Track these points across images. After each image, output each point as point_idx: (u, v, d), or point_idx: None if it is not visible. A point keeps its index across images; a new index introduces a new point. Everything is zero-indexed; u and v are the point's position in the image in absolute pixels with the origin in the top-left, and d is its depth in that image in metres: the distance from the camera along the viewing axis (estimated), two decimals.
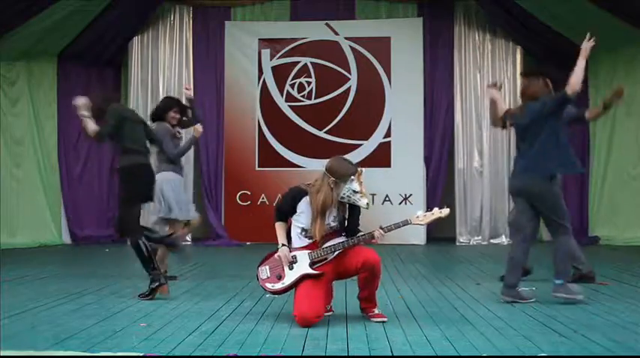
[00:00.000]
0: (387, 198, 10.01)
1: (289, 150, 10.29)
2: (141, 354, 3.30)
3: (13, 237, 9.48)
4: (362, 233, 4.25)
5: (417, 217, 4.25)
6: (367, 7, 10.55)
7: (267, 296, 5.16)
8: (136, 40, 10.49)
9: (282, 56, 10.48)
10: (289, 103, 10.44)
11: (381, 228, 4.17)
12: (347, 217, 4.29)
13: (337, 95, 10.33)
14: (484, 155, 10.22)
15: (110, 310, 4.54)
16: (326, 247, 4.20)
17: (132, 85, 10.48)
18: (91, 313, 4.43)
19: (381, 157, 10.09)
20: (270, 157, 10.31)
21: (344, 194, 4.16)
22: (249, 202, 10.27)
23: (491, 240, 10.14)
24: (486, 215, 10.17)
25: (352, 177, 4.16)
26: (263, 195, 10.22)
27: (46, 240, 9.80)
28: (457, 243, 10.06)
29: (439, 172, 10.34)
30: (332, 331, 3.85)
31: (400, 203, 10.09)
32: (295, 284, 4.19)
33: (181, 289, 5.56)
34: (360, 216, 4.32)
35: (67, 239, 10.14)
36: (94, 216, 10.47)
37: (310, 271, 4.18)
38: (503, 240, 10.11)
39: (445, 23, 10.43)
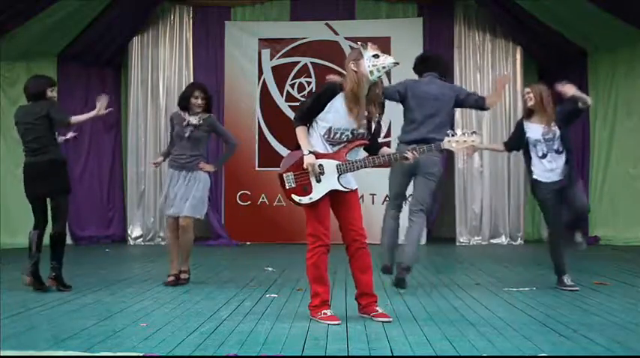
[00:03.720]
0: (387, 198, 9.98)
1: (289, 150, 10.24)
2: (141, 354, 3.29)
3: (13, 237, 9.47)
4: (393, 152, 4.18)
5: (449, 142, 4.10)
6: (367, 7, 10.56)
7: (268, 296, 5.17)
8: (136, 40, 10.49)
9: (282, 56, 10.48)
10: (289, 103, 10.44)
11: (414, 148, 4.11)
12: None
13: None
14: (484, 155, 10.22)
15: (110, 310, 4.54)
16: (355, 161, 4.07)
17: (132, 84, 10.48)
18: (91, 313, 4.43)
19: None
20: (270, 157, 10.29)
21: (369, 67, 3.97)
22: (249, 202, 10.27)
23: (491, 240, 10.14)
24: (486, 215, 10.17)
25: (362, 44, 4.04)
26: (263, 195, 10.22)
27: (47, 240, 9.76)
28: (457, 243, 10.06)
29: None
30: (332, 331, 3.85)
31: None
32: (322, 201, 4.05)
33: (181, 289, 5.56)
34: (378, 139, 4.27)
35: (67, 239, 10.11)
36: (94, 216, 10.47)
37: (339, 187, 4.06)
38: (503, 240, 10.13)
39: (445, 23, 10.43)
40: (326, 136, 4.09)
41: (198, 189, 5.86)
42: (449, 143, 4.13)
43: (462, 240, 10.12)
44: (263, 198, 10.23)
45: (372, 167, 4.19)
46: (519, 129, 5.68)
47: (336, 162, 4.07)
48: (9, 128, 9.67)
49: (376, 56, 4.01)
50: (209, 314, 4.37)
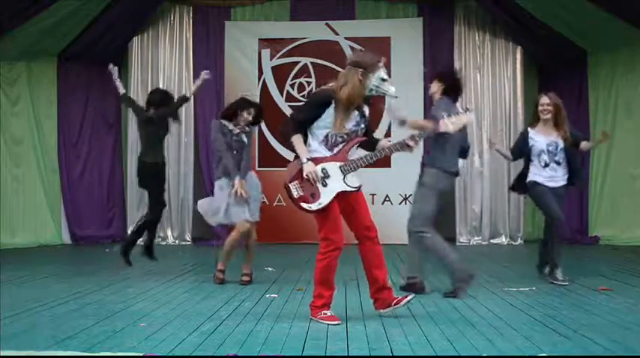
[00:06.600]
0: (387, 198, 10.00)
1: (289, 150, 10.26)
2: (141, 354, 3.30)
3: (13, 237, 9.48)
4: (393, 143, 4.16)
5: (446, 124, 4.14)
6: (367, 7, 10.56)
7: (268, 296, 5.17)
8: (136, 40, 10.49)
9: (282, 56, 10.48)
10: (289, 103, 10.44)
11: (413, 136, 4.12)
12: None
13: None
14: (484, 155, 10.22)
15: (110, 310, 4.54)
16: (357, 159, 4.09)
17: (132, 85, 10.46)
18: (91, 313, 4.43)
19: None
20: (270, 157, 10.30)
21: (372, 85, 4.02)
22: None
23: (492, 240, 10.14)
24: (486, 215, 10.18)
25: (380, 64, 4.04)
26: (263, 195, 10.16)
27: (46, 240, 9.80)
28: (457, 243, 10.05)
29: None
30: (332, 331, 3.85)
31: (400, 203, 10.08)
32: (332, 203, 4.04)
33: (181, 289, 5.56)
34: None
35: (67, 239, 10.14)
36: (94, 216, 10.47)
37: (347, 188, 4.06)
38: (503, 240, 10.13)
39: (445, 23, 10.43)
40: (324, 142, 4.11)
41: (259, 192, 6.18)
42: (445, 125, 4.17)
43: (462, 240, 10.12)
44: (263, 198, 10.15)
45: (375, 161, 4.18)
46: (524, 136, 5.87)
47: (339, 164, 4.09)
48: (9, 128, 9.71)
49: (384, 80, 4.05)
50: (209, 314, 4.37)
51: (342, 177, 4.08)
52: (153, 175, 6.80)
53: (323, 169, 4.07)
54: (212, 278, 5.95)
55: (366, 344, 3.53)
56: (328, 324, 4.01)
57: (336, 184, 4.07)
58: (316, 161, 4.08)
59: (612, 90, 9.64)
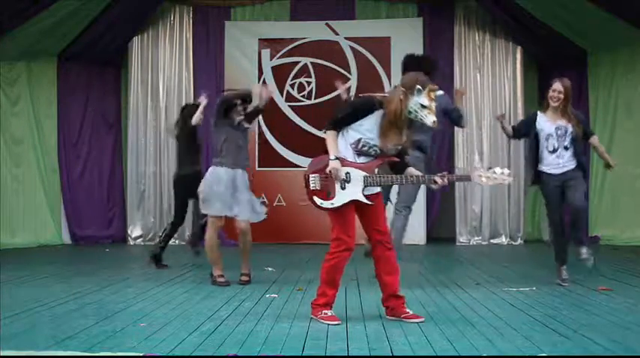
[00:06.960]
0: (388, 199, 9.97)
1: (289, 150, 10.29)
2: (141, 354, 3.30)
3: (13, 237, 9.48)
4: (421, 174, 4.21)
5: (480, 176, 4.13)
6: (367, 7, 10.56)
7: (268, 296, 5.17)
8: (136, 40, 10.50)
9: (282, 56, 10.48)
10: (289, 103, 10.44)
11: (444, 175, 4.13)
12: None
13: (337, 95, 10.30)
14: (484, 155, 10.22)
15: (110, 310, 4.54)
16: (383, 176, 4.09)
17: (132, 85, 10.48)
18: (91, 313, 4.43)
19: None
20: (270, 157, 10.31)
21: (411, 108, 4.01)
22: None
23: (492, 240, 10.14)
24: (486, 215, 10.17)
25: (419, 87, 4.03)
26: (263, 195, 10.19)
27: (46, 240, 9.80)
28: (457, 243, 10.06)
29: (439, 172, 10.35)
30: (332, 331, 3.85)
31: None
32: (347, 206, 4.07)
33: (181, 289, 5.56)
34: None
35: (67, 239, 10.14)
36: (94, 216, 10.47)
37: (362, 198, 4.07)
38: (503, 240, 10.13)
39: (445, 23, 10.43)
40: (354, 146, 4.11)
41: (250, 192, 5.98)
42: (479, 177, 4.16)
43: (462, 240, 10.12)
44: (263, 198, 10.19)
45: (398, 184, 4.19)
46: (532, 119, 5.83)
47: (364, 174, 4.09)
48: (9, 128, 9.71)
49: (423, 106, 4.03)
50: (209, 314, 4.37)
51: (362, 187, 4.09)
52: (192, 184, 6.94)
53: (347, 173, 4.08)
54: (211, 282, 5.91)
55: (366, 344, 3.53)
56: (328, 324, 4.01)
57: (353, 191, 4.08)
58: (344, 162, 4.09)
59: (612, 90, 9.64)
